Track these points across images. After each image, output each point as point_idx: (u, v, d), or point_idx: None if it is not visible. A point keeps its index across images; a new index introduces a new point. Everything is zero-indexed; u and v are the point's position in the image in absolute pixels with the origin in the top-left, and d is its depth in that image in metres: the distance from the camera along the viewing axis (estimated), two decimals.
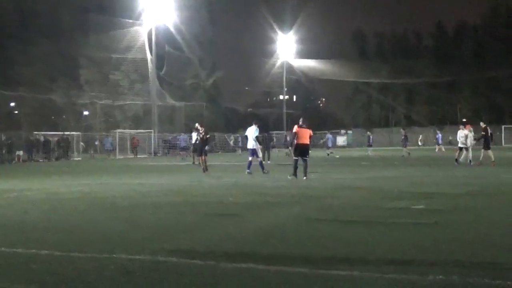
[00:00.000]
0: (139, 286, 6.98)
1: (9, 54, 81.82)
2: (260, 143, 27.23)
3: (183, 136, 52.46)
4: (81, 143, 61.05)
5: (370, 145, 53.23)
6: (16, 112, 75.59)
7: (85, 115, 76.58)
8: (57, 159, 53.21)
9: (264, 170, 26.03)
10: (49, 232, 10.91)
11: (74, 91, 70.75)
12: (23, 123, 69.39)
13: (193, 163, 36.28)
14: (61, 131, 61.28)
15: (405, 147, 45.33)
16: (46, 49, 72.68)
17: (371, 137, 53.95)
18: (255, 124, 26.98)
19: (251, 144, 26.46)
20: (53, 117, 77.55)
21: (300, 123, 23.02)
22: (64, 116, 76.90)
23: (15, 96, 68.25)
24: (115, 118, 72.41)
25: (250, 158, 26.57)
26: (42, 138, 55.20)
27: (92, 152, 63.89)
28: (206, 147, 28.75)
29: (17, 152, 51.51)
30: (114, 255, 8.47)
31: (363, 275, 7.14)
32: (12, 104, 74.69)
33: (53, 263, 8.16)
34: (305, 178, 22.15)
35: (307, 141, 22.88)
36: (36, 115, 69.73)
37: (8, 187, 22.04)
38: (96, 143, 65.65)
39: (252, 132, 26.53)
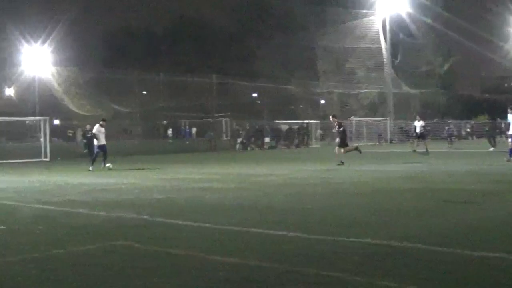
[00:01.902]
0: (378, 269, 7.34)
1: (250, 48, 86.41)
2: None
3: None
4: (319, 131, 62.98)
5: None
6: (258, 102, 79.60)
7: (322, 104, 78.63)
8: (297, 146, 55.45)
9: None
10: (294, 214, 11.91)
11: (311, 81, 72.92)
12: (264, 112, 72.96)
13: (414, 150, 36.01)
14: (299, 120, 63.62)
15: None
16: (283, 42, 75.80)
17: None
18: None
19: None
20: (291, 107, 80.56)
21: None
22: (301, 106, 79.61)
23: (257, 87, 71.83)
24: (351, 107, 73.50)
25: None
26: (285, 127, 57.89)
27: (329, 139, 65.63)
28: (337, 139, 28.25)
29: (266, 139, 54.48)
30: (360, 239, 8.94)
31: None
32: (254, 94, 78.74)
33: (300, 245, 8.90)
34: None
35: None
36: (275, 104, 72.94)
37: (254, 172, 23.75)
38: (333, 130, 67.34)
39: None
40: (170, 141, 64.48)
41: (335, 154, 27.32)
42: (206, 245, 8.96)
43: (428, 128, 47.17)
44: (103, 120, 28.08)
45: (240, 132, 54.55)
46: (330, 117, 29.31)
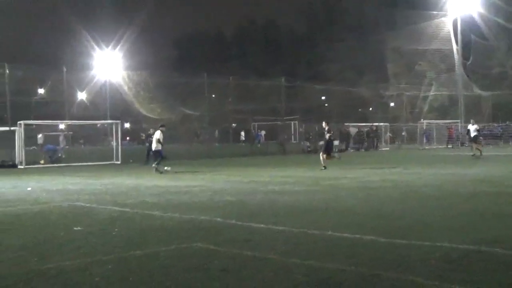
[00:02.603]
0: (455, 274, 7.19)
1: (319, 50, 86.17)
2: None
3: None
4: (389, 134, 62.23)
5: None
6: (326, 104, 79.25)
7: (391, 107, 77.68)
8: (366, 149, 54.91)
9: None
10: (368, 218, 11.75)
11: (380, 83, 72.17)
12: (333, 115, 72.62)
13: (473, 155, 35.50)
14: (368, 123, 62.99)
15: None
16: (352, 44, 75.35)
17: None
18: None
19: None
20: (360, 109, 79.91)
21: None
22: (370, 108, 78.84)
23: (326, 90, 71.49)
24: (421, 109, 72.35)
25: None
26: (354, 130, 57.39)
27: (399, 142, 64.78)
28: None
29: (335, 143, 54.04)
30: (437, 243, 8.80)
31: None
32: (323, 97, 78.41)
33: (377, 248, 8.78)
34: None
35: None
36: (344, 107, 72.46)
37: (325, 175, 23.55)
38: (403, 133, 66.47)
39: None
40: (243, 144, 64.72)
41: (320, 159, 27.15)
42: (281, 247, 8.90)
43: (483, 131, 45.92)
44: (162, 126, 28.39)
45: (310, 136, 54.36)
46: (323, 122, 29.15)
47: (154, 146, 27.38)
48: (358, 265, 7.65)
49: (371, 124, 60.94)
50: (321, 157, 27.19)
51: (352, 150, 53.72)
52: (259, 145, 58.61)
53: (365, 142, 56.94)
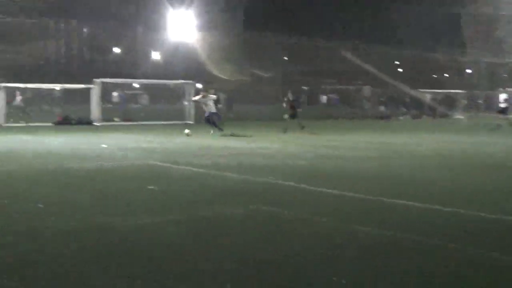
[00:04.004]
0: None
1: (393, 15, 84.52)
2: None
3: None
4: (464, 101, 60.76)
5: None
6: (400, 70, 78.07)
7: (468, 74, 75.93)
8: (441, 116, 53.76)
9: None
10: (432, 186, 11.55)
11: (457, 49, 70.53)
12: (406, 81, 71.45)
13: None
14: (444, 89, 61.69)
15: None
16: (428, 8, 73.50)
17: None
18: None
19: None
20: (435, 76, 78.39)
21: None
22: (446, 75, 77.29)
23: (400, 55, 70.37)
24: (500, 76, 70.45)
25: None
26: (428, 96, 56.31)
27: (475, 110, 63.23)
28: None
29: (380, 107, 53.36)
30: (503, 217, 8.76)
31: None
32: (396, 62, 77.25)
33: (439, 218, 8.77)
34: None
35: None
36: (419, 73, 71.18)
37: (398, 141, 23.21)
38: (480, 101, 64.74)
39: None
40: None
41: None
42: (347, 213, 8.96)
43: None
44: (204, 91, 28.17)
45: (382, 100, 53.73)
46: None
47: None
48: (423, 234, 7.63)
49: (447, 91, 59.69)
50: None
51: (427, 117, 52.69)
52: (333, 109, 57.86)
53: (440, 109, 55.72)
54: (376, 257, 6.58)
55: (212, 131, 25.49)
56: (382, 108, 52.24)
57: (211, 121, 25.95)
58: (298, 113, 28.71)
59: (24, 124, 32.27)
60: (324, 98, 68.67)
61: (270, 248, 6.95)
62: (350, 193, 10.57)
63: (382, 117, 49.10)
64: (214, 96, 27.02)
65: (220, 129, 25.63)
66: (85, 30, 39.93)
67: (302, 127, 27.44)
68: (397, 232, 7.69)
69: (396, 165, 15.33)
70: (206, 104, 26.28)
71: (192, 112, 37.67)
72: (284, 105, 29.78)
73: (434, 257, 6.65)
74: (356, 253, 6.77)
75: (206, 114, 26.26)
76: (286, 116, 28.57)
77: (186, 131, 25.36)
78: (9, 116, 33.28)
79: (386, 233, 7.64)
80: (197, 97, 28.04)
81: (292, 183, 11.67)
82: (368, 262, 6.39)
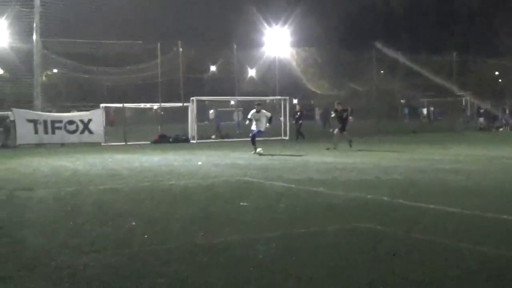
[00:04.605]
0: None
1: (493, 24, 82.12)
2: None
3: None
4: None
5: None
6: (499, 80, 75.50)
7: None
8: None
9: None
10: None
11: None
12: (506, 91, 69.05)
13: None
14: None
15: None
16: None
17: None
18: None
19: None
20: None
21: None
22: None
23: (500, 65, 68.00)
24: None
25: None
26: None
27: None
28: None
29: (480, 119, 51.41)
30: None
31: None
32: (496, 72, 74.73)
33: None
34: None
35: None
36: None
37: (500, 153, 22.30)
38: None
39: None
40: (425, 121, 62.72)
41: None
42: (452, 231, 8.45)
43: None
44: (258, 104, 25.33)
45: (481, 111, 51.98)
46: (336, 103, 28.21)
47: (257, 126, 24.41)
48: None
49: None
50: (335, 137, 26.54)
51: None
52: (435, 122, 56.50)
53: None
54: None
55: (254, 151, 23.88)
56: (481, 120, 50.54)
57: (252, 140, 24.41)
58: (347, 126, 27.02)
59: (123, 143, 33.19)
60: (424, 111, 67.19)
61: (368, 266, 6.67)
62: (451, 208, 10.12)
63: (481, 128, 47.65)
64: (268, 113, 24.87)
65: (255, 149, 23.93)
66: (181, 49, 40.66)
67: (350, 142, 26.37)
68: (508, 251, 7.22)
69: (496, 177, 14.66)
70: (258, 120, 24.27)
71: (288, 127, 37.71)
72: (333, 115, 28.03)
73: None
74: (460, 274, 6.41)
75: (254, 131, 24.34)
76: (335, 130, 26.82)
77: (258, 149, 23.79)
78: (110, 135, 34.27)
79: (506, 253, 7.15)
80: (250, 113, 25.18)
81: (386, 198, 11.31)
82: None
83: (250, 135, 24.86)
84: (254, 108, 25.03)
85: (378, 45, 52.35)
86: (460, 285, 6.00)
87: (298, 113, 37.67)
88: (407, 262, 6.84)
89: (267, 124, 24.51)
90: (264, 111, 25.01)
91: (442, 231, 8.42)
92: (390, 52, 52.84)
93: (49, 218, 10.04)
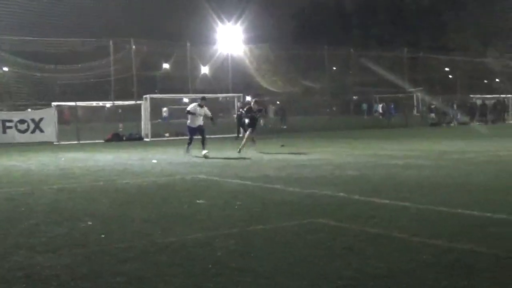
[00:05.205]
0: None
1: (442, 20, 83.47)
2: None
3: None
4: None
5: None
6: (450, 76, 76.84)
7: None
8: (493, 122, 52.71)
9: None
10: (500, 194, 11.17)
11: (508, 53, 68.99)
12: (457, 87, 70.32)
13: None
14: (495, 94, 60.44)
15: None
16: (477, 12, 72.26)
17: None
18: None
19: None
20: (485, 81, 76.85)
21: None
22: (497, 79, 75.67)
23: (450, 61, 69.21)
24: None
25: None
26: (479, 102, 55.23)
27: None
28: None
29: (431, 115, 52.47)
30: None
31: None
32: (446, 68, 76.04)
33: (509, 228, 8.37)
34: None
35: None
36: (469, 78, 69.92)
37: (449, 148, 22.80)
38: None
39: None
40: (380, 117, 63.25)
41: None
42: (406, 225, 8.58)
43: None
44: (202, 98, 23.45)
45: (432, 107, 52.95)
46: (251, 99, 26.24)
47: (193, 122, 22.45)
48: (491, 246, 7.22)
49: (498, 95, 58.45)
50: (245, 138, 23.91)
51: (478, 124, 51.76)
52: (392, 119, 56.99)
53: (491, 114, 54.57)
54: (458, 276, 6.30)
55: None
56: (432, 115, 51.56)
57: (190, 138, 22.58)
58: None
59: (76, 142, 32.83)
60: (380, 107, 67.90)
61: (325, 262, 6.75)
62: (404, 203, 10.28)
63: (433, 124, 48.56)
64: (209, 112, 22.87)
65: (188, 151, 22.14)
66: (134, 47, 40.37)
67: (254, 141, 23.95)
68: (466, 244, 7.39)
69: (447, 172, 14.93)
70: (199, 115, 22.34)
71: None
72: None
73: None
74: (415, 267, 6.54)
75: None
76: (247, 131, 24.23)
77: (204, 152, 21.38)
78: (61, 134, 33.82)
79: (458, 246, 7.30)
80: (191, 106, 23.29)
81: (342, 194, 11.45)
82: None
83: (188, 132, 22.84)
84: (197, 101, 23.31)
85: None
86: (415, 277, 6.10)
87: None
88: (363, 256, 6.93)
89: (212, 124, 24.04)
90: (206, 108, 22.88)
91: (396, 225, 8.55)
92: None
93: (1, 219, 9.88)
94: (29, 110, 34.87)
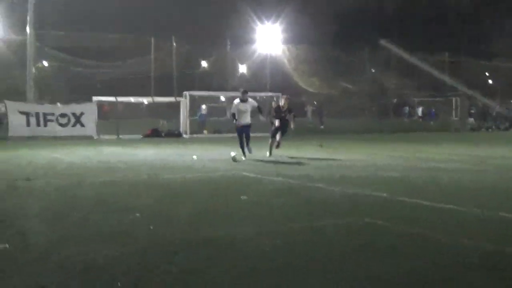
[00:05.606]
0: None
1: (485, 25, 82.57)
2: None
3: None
4: None
5: None
6: (490, 81, 75.98)
7: None
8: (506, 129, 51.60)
9: None
10: None
11: None
12: (498, 93, 69.50)
13: None
14: None
15: None
16: None
17: None
18: None
19: None
20: None
21: None
22: None
23: (491, 67, 68.46)
24: None
25: None
26: None
27: None
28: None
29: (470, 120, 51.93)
30: None
31: None
32: (487, 74, 75.22)
33: None
34: None
35: None
36: (510, 85, 69.04)
37: (491, 154, 22.49)
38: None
39: None
40: (420, 120, 62.96)
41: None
42: (451, 227, 8.59)
43: None
44: (244, 92, 20.52)
45: (472, 111, 52.40)
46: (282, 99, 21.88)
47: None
48: None
49: None
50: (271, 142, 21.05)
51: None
52: (431, 123, 56.62)
53: None
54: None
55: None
56: (471, 120, 51.02)
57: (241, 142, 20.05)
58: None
59: (115, 137, 33.22)
60: (419, 111, 67.43)
61: (368, 261, 6.79)
62: (450, 205, 10.24)
63: (472, 128, 48.06)
64: (254, 102, 20.68)
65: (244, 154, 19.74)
66: (174, 44, 40.68)
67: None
68: (508, 247, 7.36)
69: (489, 176, 14.83)
70: (245, 112, 20.02)
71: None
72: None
73: None
74: (455, 268, 6.54)
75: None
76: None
77: (233, 153, 18.98)
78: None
79: (506, 250, 7.31)
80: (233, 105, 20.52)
81: (385, 195, 11.43)
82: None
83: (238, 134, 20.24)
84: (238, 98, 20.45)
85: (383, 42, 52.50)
86: (463, 280, 6.14)
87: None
88: (407, 257, 6.96)
89: (261, 117, 22.00)
90: (251, 100, 20.56)
91: (441, 227, 8.57)
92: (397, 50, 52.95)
93: (50, 210, 10.08)
94: (72, 104, 35.11)
